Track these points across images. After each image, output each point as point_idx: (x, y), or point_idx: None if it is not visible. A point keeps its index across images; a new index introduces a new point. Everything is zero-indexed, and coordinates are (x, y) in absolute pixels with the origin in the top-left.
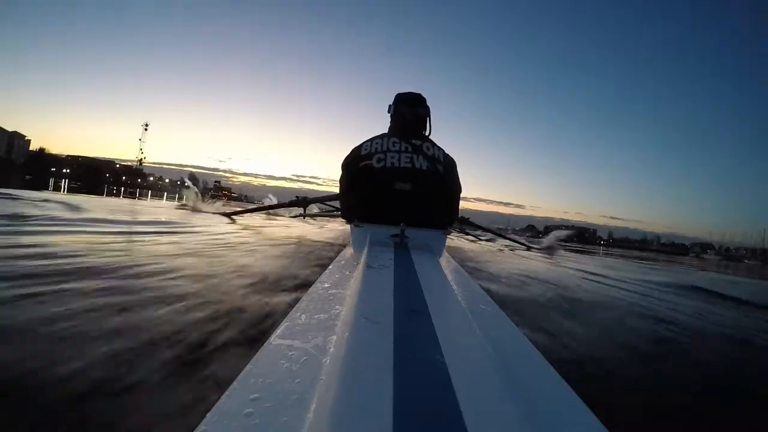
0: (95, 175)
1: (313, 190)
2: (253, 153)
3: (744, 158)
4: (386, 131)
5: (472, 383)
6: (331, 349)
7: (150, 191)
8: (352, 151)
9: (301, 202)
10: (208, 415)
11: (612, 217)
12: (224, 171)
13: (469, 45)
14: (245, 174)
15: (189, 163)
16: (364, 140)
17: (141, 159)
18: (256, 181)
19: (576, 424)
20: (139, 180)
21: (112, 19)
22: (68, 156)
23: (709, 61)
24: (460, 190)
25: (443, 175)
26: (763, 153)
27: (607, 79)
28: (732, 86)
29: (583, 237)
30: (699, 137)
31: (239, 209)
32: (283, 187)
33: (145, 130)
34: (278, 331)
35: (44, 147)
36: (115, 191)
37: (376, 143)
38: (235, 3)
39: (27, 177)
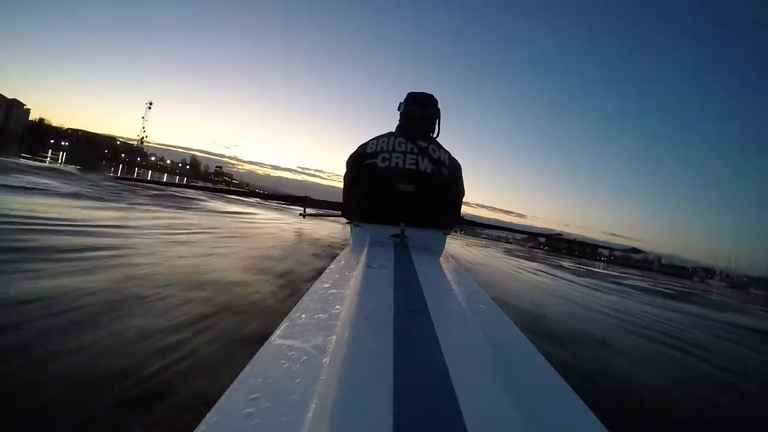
0: (94, 150)
1: (317, 183)
2: (259, 142)
3: (752, 186)
4: (393, 129)
5: (472, 383)
6: (331, 349)
7: (151, 171)
8: (358, 148)
9: (304, 201)
10: (208, 415)
11: (612, 234)
12: (230, 157)
13: (483, 49)
14: (250, 162)
15: (194, 147)
16: (371, 138)
17: (143, 137)
18: (261, 170)
19: (576, 424)
20: (139, 159)
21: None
22: (69, 129)
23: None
24: (463, 194)
25: (447, 179)
26: None
27: (623, 95)
28: (746, 102)
29: (584, 252)
30: (709, 162)
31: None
32: (287, 179)
33: (149, 108)
34: (278, 331)
35: (44, 117)
36: (113, 169)
37: (383, 142)
38: None
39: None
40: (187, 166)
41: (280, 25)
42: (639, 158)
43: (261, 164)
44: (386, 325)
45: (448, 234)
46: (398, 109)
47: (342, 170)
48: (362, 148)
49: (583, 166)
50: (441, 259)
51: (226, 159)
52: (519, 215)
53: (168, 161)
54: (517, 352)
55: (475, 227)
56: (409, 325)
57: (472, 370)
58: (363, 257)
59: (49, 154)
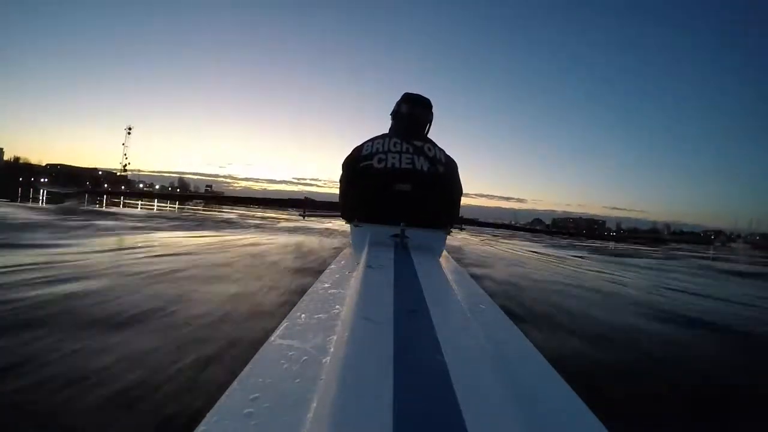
0: (75, 184)
1: (313, 192)
2: (253, 158)
3: (750, 145)
4: (387, 131)
5: (472, 383)
6: (331, 349)
7: (141, 199)
8: (353, 151)
9: (305, 203)
10: (208, 415)
11: (615, 208)
12: (225, 177)
13: (461, 38)
14: (246, 179)
15: (187, 171)
16: (365, 140)
17: (125, 165)
18: (257, 186)
19: (576, 424)
20: (123, 187)
21: (96, 19)
22: (47, 165)
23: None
24: (461, 192)
25: (444, 177)
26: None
27: (603, 65)
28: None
29: (591, 230)
30: (704, 123)
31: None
32: (284, 191)
33: (128, 134)
34: (278, 331)
35: (20, 156)
36: (98, 200)
37: (378, 143)
38: (232, 4)
39: None
40: (177, 189)
41: (264, 39)
42: (633, 128)
43: (256, 180)
44: (386, 325)
45: (449, 234)
46: (392, 111)
47: (337, 176)
48: (357, 150)
49: (577, 143)
50: (441, 259)
51: (221, 178)
52: (519, 200)
53: (157, 186)
54: (517, 352)
55: (474, 225)
56: (409, 325)
57: (472, 370)
58: (363, 257)
59: (30, 194)
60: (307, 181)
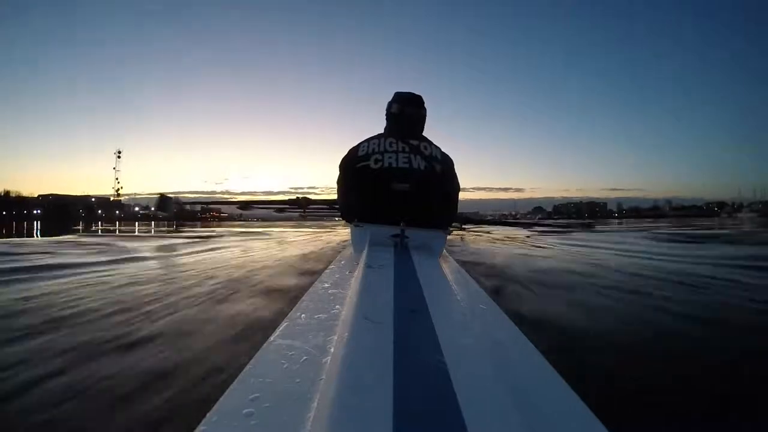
0: (68, 213)
1: (312, 200)
2: (250, 171)
3: (742, 113)
4: (381, 131)
5: (472, 383)
6: (331, 349)
7: (137, 222)
8: (350, 151)
9: (301, 203)
10: (208, 415)
11: (613, 189)
12: (222, 192)
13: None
14: (243, 192)
15: (184, 190)
16: (361, 141)
17: (118, 189)
18: (255, 198)
19: (576, 424)
20: (117, 212)
21: (80, 44)
22: (39, 196)
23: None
24: (458, 189)
25: (441, 175)
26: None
27: (605, 46)
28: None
29: (594, 213)
30: (696, 94)
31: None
32: (282, 201)
33: (118, 157)
34: (278, 331)
35: (9, 190)
36: (93, 227)
37: (374, 144)
38: (224, 9)
39: None
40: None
41: (256, 50)
42: (625, 106)
43: (254, 192)
44: (386, 325)
45: (449, 234)
46: (386, 110)
47: (333, 181)
48: (354, 150)
49: (570, 126)
50: (441, 259)
51: (218, 194)
52: (518, 190)
53: (152, 209)
54: (517, 351)
55: (474, 224)
56: (409, 325)
57: (472, 370)
58: (363, 257)
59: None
60: (305, 190)
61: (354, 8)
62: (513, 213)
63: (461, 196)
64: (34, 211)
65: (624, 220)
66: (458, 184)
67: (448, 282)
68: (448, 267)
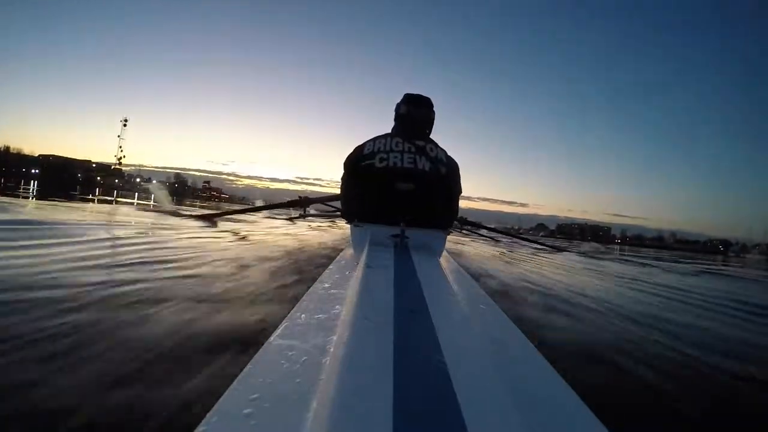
0: (67, 176)
1: (315, 191)
2: (257, 156)
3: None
4: (390, 130)
5: (472, 383)
6: (331, 349)
7: (137, 193)
8: (355, 150)
9: (302, 202)
10: (208, 415)
11: (615, 215)
12: (228, 174)
13: (467, 41)
14: (249, 177)
15: (189, 167)
16: (367, 139)
17: (120, 158)
18: (260, 184)
19: (576, 424)
20: (117, 180)
21: (96, 10)
22: (39, 155)
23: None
24: (460, 192)
25: (445, 177)
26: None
27: (620, 73)
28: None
29: (597, 236)
30: (703, 133)
31: (219, 212)
32: (287, 189)
33: (124, 125)
34: (278, 331)
35: (10, 145)
36: (91, 194)
37: (379, 143)
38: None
39: None
40: (176, 185)
41: (267, 35)
42: (635, 137)
43: (260, 178)
44: (386, 325)
45: (449, 234)
46: (395, 110)
47: (340, 176)
48: (359, 149)
49: (580, 151)
50: (441, 259)
51: (224, 176)
52: (522, 204)
53: (154, 182)
54: (517, 351)
55: (474, 227)
56: (409, 325)
57: (472, 370)
58: (363, 257)
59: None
60: (311, 181)
61: (381, 5)
62: (516, 227)
63: (465, 204)
64: (32, 171)
65: (626, 247)
66: (461, 188)
67: (448, 282)
68: (448, 267)
